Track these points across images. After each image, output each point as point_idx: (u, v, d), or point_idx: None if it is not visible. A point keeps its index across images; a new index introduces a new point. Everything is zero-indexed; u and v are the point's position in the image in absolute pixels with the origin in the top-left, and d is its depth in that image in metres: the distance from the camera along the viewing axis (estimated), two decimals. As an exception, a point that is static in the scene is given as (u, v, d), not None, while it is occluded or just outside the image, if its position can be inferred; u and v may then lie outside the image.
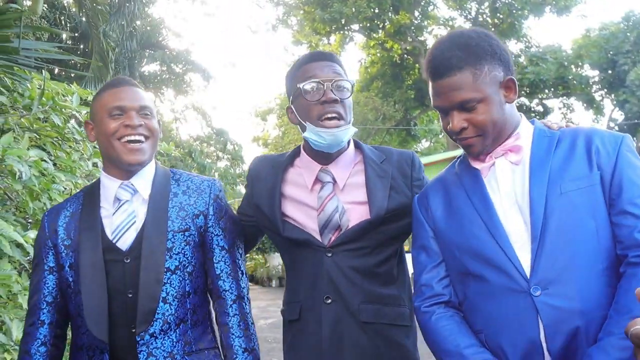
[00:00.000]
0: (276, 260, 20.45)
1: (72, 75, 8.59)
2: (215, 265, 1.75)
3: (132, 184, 1.72)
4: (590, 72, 25.52)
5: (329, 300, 1.68)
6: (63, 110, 2.82)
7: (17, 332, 2.22)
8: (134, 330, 1.61)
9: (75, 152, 2.89)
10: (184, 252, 1.69)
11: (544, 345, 1.36)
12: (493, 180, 1.51)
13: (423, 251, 1.62)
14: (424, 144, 32.72)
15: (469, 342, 1.46)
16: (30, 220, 2.61)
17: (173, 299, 1.65)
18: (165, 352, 1.62)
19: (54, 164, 2.66)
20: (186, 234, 1.71)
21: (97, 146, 1.76)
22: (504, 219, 1.46)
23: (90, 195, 1.76)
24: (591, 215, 1.38)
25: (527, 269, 1.39)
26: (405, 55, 26.02)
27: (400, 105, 25.69)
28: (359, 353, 1.67)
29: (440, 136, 30.75)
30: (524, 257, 1.40)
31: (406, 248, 1.90)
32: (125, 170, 1.72)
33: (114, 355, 1.61)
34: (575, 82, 25.03)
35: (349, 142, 1.83)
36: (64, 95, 2.88)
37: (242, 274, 1.79)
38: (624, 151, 1.42)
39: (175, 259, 1.67)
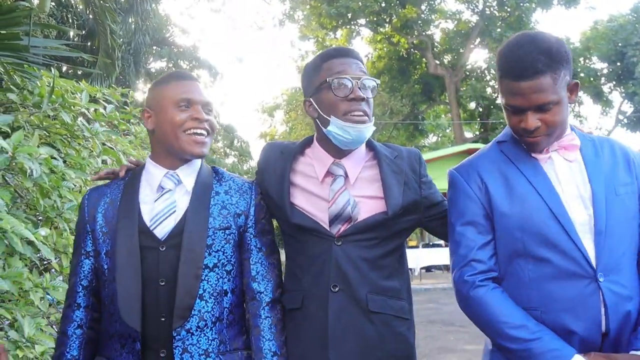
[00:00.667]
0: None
1: (80, 72, 8.63)
2: (251, 266, 1.75)
3: (177, 175, 1.74)
4: (599, 65, 25.36)
5: (336, 289, 1.69)
6: (72, 107, 2.82)
7: (28, 328, 2.23)
8: (163, 320, 1.61)
9: (84, 149, 2.89)
10: (224, 250, 1.71)
11: (603, 324, 1.52)
12: (552, 172, 1.63)
13: (473, 227, 1.66)
14: (432, 138, 32.67)
15: (527, 317, 1.55)
16: (40, 218, 2.61)
17: (209, 296, 1.65)
18: (201, 349, 1.62)
19: (64, 162, 2.67)
20: (227, 232, 1.72)
21: (154, 134, 1.77)
22: (568, 209, 1.58)
23: (131, 183, 1.77)
24: (635, 217, 1.60)
25: (592, 258, 1.53)
26: (412, 50, 25.93)
27: (408, 99, 25.64)
28: (364, 342, 1.67)
29: (448, 130, 30.66)
30: (589, 247, 1.54)
31: (412, 243, 1.90)
32: (177, 160, 1.75)
33: (145, 345, 1.61)
34: (583, 74, 24.87)
35: None
36: (73, 93, 2.89)
37: (278, 277, 1.79)
38: None
39: (214, 256, 1.68)
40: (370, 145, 1.87)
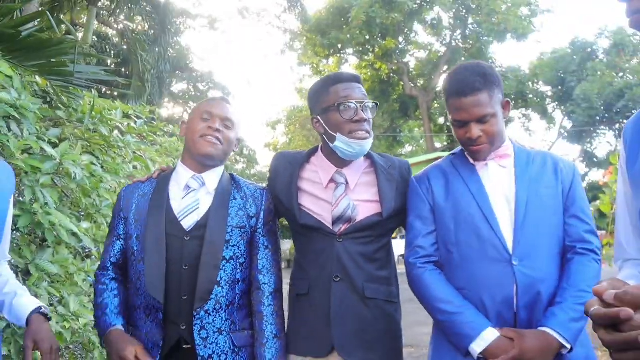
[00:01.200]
0: (285, 246, 20.44)
1: (115, 93, 8.60)
2: (258, 261, 1.75)
3: (202, 177, 1.75)
4: (544, 88, 25.47)
5: (338, 279, 1.68)
6: (109, 122, 2.84)
7: (74, 305, 2.24)
8: (185, 298, 1.61)
9: (118, 157, 2.90)
10: (239, 245, 1.70)
11: (515, 301, 1.52)
12: (486, 176, 1.65)
13: (419, 220, 1.69)
14: (407, 148, 32.68)
15: (455, 294, 1.58)
16: (82, 214, 2.62)
17: (225, 283, 1.65)
18: (215, 327, 1.62)
19: (102, 167, 2.68)
20: (242, 230, 1.72)
21: (184, 142, 1.81)
22: (494, 206, 1.60)
23: (163, 181, 1.78)
24: (555, 214, 1.58)
25: (509, 245, 1.55)
26: (392, 74, 25.97)
27: (387, 115, 25.66)
28: (360, 323, 1.68)
29: (421, 141, 30.70)
30: (507, 236, 1.56)
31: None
32: (199, 164, 1.75)
33: (167, 317, 1.61)
34: (532, 96, 25.00)
35: None
36: (109, 110, 2.90)
37: (279, 270, 1.80)
38: (577, 175, 1.66)
39: (231, 250, 1.68)
40: (367, 155, 1.84)
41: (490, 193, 1.61)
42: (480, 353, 1.48)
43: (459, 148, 1.76)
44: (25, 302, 1.55)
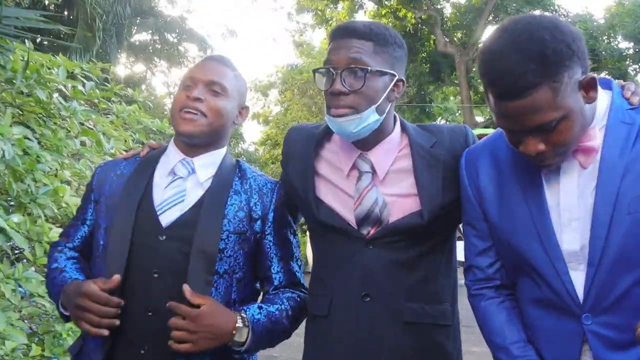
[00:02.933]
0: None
1: (55, 45, 8.57)
2: (273, 275, 1.78)
3: (192, 163, 1.76)
4: (624, 44, 25.27)
5: (368, 299, 1.65)
6: (48, 83, 2.82)
7: (2, 324, 2.23)
8: (150, 314, 1.61)
9: (61, 129, 2.90)
10: (236, 256, 1.71)
11: None
12: (555, 182, 1.44)
13: (472, 229, 1.62)
14: (439, 122, 32.61)
15: (517, 336, 1.51)
16: (12, 203, 2.62)
17: None
18: None
19: (39, 142, 2.67)
20: (242, 237, 1.72)
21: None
22: (559, 235, 1.41)
23: (148, 162, 1.81)
24: None
25: (580, 293, 1.39)
26: (420, 25, 25.78)
27: (414, 80, 25.50)
28: (399, 356, 1.65)
29: (457, 114, 30.60)
30: (578, 280, 1.39)
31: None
32: (188, 145, 1.76)
33: (119, 335, 1.60)
34: (606, 55, 24.78)
35: (395, 124, 1.78)
36: (49, 68, 2.88)
37: (303, 287, 1.84)
38: None
39: (226, 262, 1.68)
40: (405, 131, 1.79)
41: (554, 213, 1.42)
42: None
43: None
44: None
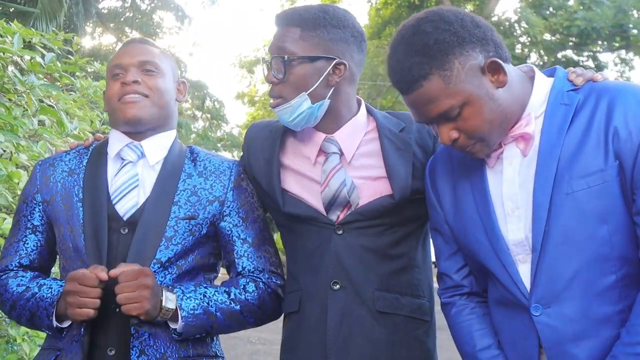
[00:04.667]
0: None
1: (12, 10, 8.49)
2: (236, 261, 1.82)
3: (141, 146, 1.81)
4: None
5: (337, 286, 1.72)
6: (1, 54, 2.79)
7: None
8: (118, 311, 1.65)
9: (16, 106, 2.87)
10: (184, 243, 1.75)
11: None
12: (498, 172, 1.55)
13: (439, 235, 1.71)
14: (447, 105, 32.68)
15: (486, 342, 1.59)
16: (-39, 190, 2.60)
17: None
18: (158, 352, 1.68)
19: (-9, 122, 2.64)
20: (192, 222, 1.76)
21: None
22: (503, 226, 1.51)
23: (98, 153, 1.85)
24: (603, 220, 1.39)
25: (527, 285, 1.47)
26: (426, -5, 25.78)
27: (419, 57, 25.55)
28: (371, 348, 1.70)
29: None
30: (525, 271, 1.48)
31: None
32: (134, 133, 1.81)
33: (94, 333, 1.67)
34: (636, 31, 24.81)
35: (360, 107, 1.89)
36: (1, 36, 2.85)
37: (272, 273, 1.85)
38: None
39: (171, 249, 1.72)
40: (372, 115, 1.90)
41: (498, 204, 1.53)
42: None
43: None
44: None
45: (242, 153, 1.99)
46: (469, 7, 26.10)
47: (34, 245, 1.81)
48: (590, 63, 26.02)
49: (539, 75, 1.55)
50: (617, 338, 1.38)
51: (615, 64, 26.59)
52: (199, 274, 1.81)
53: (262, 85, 30.20)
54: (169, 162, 1.82)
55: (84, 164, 1.83)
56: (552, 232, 1.42)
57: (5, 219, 2.54)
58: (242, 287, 1.77)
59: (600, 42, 25.25)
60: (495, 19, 25.77)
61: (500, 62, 1.44)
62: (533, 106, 1.51)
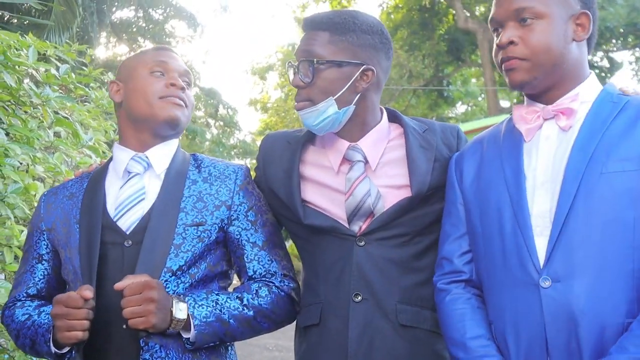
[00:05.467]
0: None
1: (26, 23, 8.54)
2: (247, 265, 1.81)
3: (146, 157, 1.80)
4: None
5: (359, 298, 1.71)
6: (17, 67, 2.80)
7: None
8: (125, 328, 1.63)
9: (32, 119, 2.88)
10: (194, 250, 1.73)
11: (545, 342, 1.44)
12: (534, 148, 1.57)
13: (449, 217, 1.73)
14: (460, 108, 32.56)
15: (477, 332, 1.58)
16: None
17: None
18: None
19: (7, 134, 2.66)
20: (200, 228, 1.75)
21: (117, 111, 1.89)
22: (530, 198, 1.52)
23: (97, 176, 1.85)
24: (631, 205, 1.41)
25: (541, 259, 1.47)
26: (438, -2, 25.75)
27: (431, 60, 25.45)
28: None
29: (480, 99, 30.55)
30: (541, 244, 1.48)
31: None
32: (149, 137, 1.81)
33: (99, 349, 1.65)
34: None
35: (382, 115, 1.90)
36: (17, 49, 2.86)
37: (285, 276, 1.83)
38: None
39: (181, 257, 1.71)
40: (395, 119, 1.90)
41: (530, 177, 1.55)
42: None
43: None
44: None
45: (255, 162, 1.98)
46: (481, 9, 26.06)
47: (41, 275, 1.82)
48: (605, 63, 25.88)
49: (594, 75, 1.63)
50: (621, 327, 1.38)
51: (630, 63, 26.39)
52: (212, 282, 1.79)
53: (274, 92, 30.32)
54: (173, 170, 1.82)
55: (84, 186, 1.84)
56: (578, 208, 1.44)
57: (22, 230, 2.55)
58: (254, 292, 1.76)
59: (614, 41, 25.09)
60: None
61: (590, 20, 1.57)
62: (583, 90, 1.57)
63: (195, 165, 1.86)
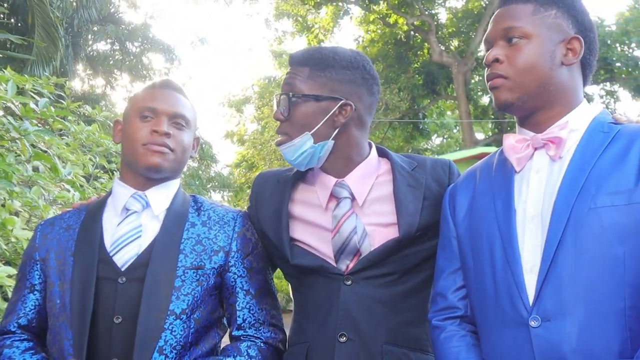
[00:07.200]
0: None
1: (4, 57, 8.51)
2: (237, 312, 1.80)
3: (145, 196, 1.80)
4: (638, 52, 25.63)
5: (344, 339, 1.69)
6: (-5, 102, 2.79)
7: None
8: None
9: (10, 152, 2.86)
10: (194, 293, 1.72)
11: None
12: (525, 180, 1.55)
13: (443, 252, 1.71)
14: (435, 140, 32.86)
15: None
16: (-46, 239, 2.57)
17: (171, 350, 1.66)
18: None
19: (-16, 169, 2.63)
20: (199, 272, 1.75)
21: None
22: (521, 232, 1.49)
23: (95, 209, 1.84)
24: (621, 241, 1.37)
25: (531, 296, 1.43)
26: (412, 32, 26.09)
27: (406, 93, 25.70)
28: None
29: (455, 131, 30.88)
30: (530, 281, 1.44)
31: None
32: (143, 179, 1.80)
33: None
34: (620, 64, 25.13)
35: (370, 149, 1.88)
36: (-5, 83, 2.85)
37: (276, 322, 1.83)
38: None
39: (183, 301, 1.70)
40: (386, 157, 1.90)
41: (520, 210, 1.52)
42: None
43: None
44: None
45: (241, 200, 1.99)
46: (455, 43, 26.46)
47: (32, 305, 1.79)
48: (576, 96, 26.19)
49: (586, 102, 1.61)
50: None
51: (601, 96, 26.89)
52: (212, 329, 1.79)
53: (251, 124, 30.36)
54: (173, 211, 1.81)
55: (82, 219, 1.83)
56: (567, 243, 1.40)
57: (-2, 266, 2.51)
58: (245, 354, 1.74)
59: (585, 75, 25.36)
60: (481, 53, 26.08)
61: (582, 45, 1.57)
62: (573, 118, 1.55)
63: (195, 207, 1.86)
